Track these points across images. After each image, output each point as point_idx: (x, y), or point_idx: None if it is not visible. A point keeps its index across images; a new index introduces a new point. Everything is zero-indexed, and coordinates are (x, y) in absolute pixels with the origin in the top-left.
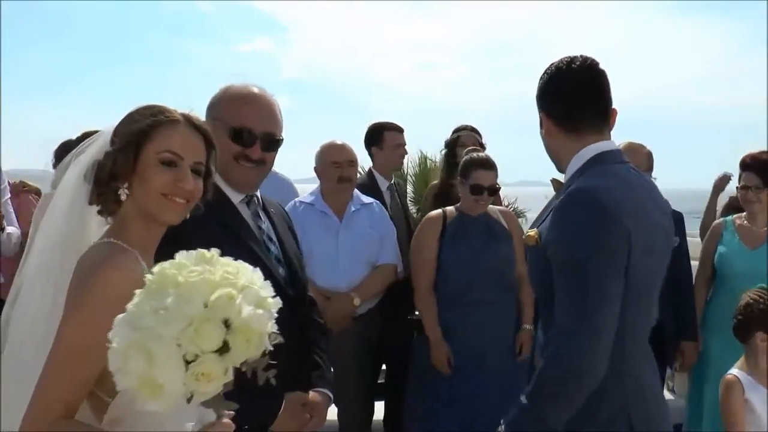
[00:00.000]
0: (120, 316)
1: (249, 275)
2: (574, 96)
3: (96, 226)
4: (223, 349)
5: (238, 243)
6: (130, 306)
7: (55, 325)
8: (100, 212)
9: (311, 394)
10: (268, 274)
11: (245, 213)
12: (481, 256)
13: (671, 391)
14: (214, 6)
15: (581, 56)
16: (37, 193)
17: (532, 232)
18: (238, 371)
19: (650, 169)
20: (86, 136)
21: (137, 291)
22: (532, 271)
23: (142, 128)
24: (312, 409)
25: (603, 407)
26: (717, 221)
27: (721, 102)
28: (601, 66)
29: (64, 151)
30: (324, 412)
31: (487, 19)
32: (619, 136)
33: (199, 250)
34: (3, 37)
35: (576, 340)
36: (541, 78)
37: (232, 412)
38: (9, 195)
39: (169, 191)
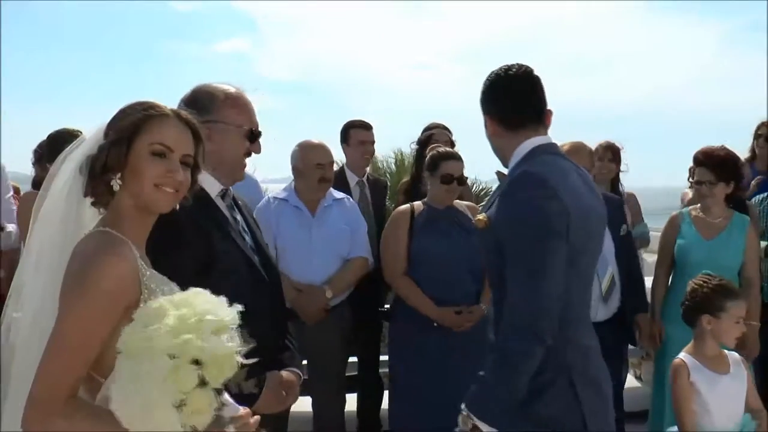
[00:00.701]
0: (110, 385)
1: (201, 303)
2: (513, 99)
3: (90, 218)
4: (202, 383)
5: (222, 234)
6: (116, 372)
7: (52, 317)
8: (93, 204)
9: (285, 373)
10: (247, 261)
11: (221, 206)
12: (457, 246)
13: (638, 378)
14: (190, 5)
15: (517, 64)
16: (17, 191)
17: (482, 216)
18: (226, 388)
19: (593, 165)
20: (55, 136)
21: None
22: (484, 253)
23: (134, 122)
24: (287, 387)
25: (546, 367)
26: (674, 213)
27: (713, 101)
28: (536, 72)
29: (40, 150)
30: (297, 389)
31: (484, 19)
32: (620, 135)
33: (149, 306)
34: None
35: (529, 307)
36: (483, 85)
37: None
38: (11, 192)
39: (160, 182)
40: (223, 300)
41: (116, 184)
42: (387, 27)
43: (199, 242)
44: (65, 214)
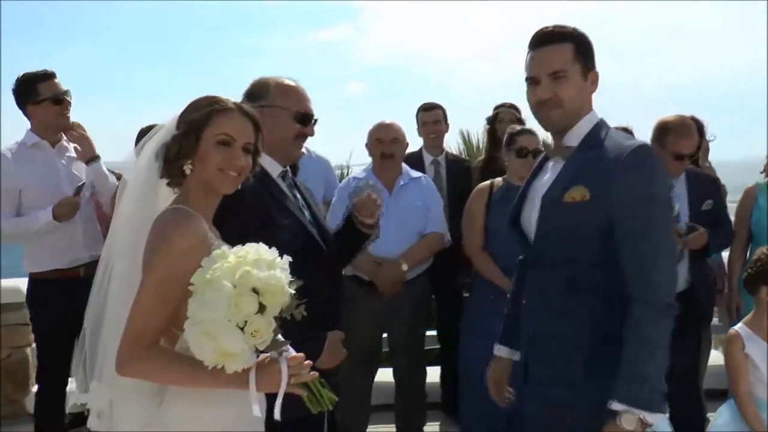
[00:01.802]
0: (186, 322)
1: (255, 250)
2: None
3: (164, 196)
4: (261, 308)
5: (282, 209)
6: (188, 312)
7: (135, 278)
8: (168, 184)
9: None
10: (306, 234)
11: (282, 185)
12: None
13: None
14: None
15: None
16: (119, 177)
17: (580, 190)
18: (281, 318)
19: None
20: (142, 132)
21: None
22: (573, 225)
23: (202, 116)
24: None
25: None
26: (750, 185)
27: None
28: None
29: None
30: None
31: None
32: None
33: (215, 251)
34: (74, 34)
35: (668, 284)
36: (588, 37)
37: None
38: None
39: (225, 167)
40: (275, 251)
41: (188, 168)
42: (482, 12)
43: (259, 214)
44: (144, 192)
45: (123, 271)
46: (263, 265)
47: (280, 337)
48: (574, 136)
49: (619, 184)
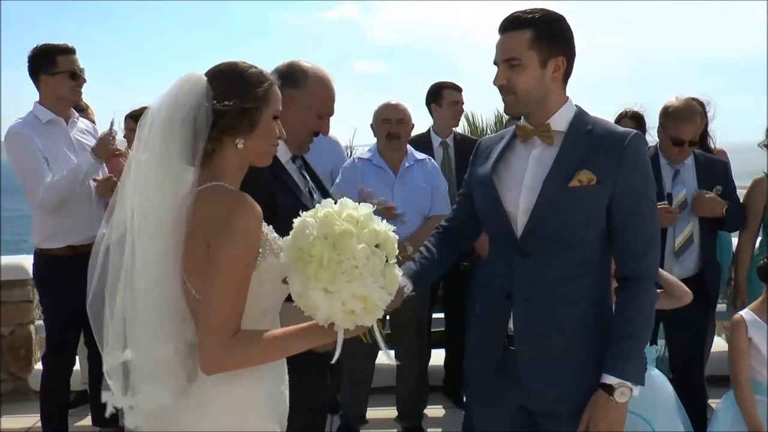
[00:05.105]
0: (308, 293)
1: (344, 207)
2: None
3: (179, 169)
4: (386, 260)
5: (287, 192)
6: (311, 284)
7: (153, 256)
8: (188, 161)
9: None
10: None
11: (291, 169)
12: None
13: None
14: None
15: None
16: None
17: (587, 174)
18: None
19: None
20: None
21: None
22: (581, 209)
23: (263, 93)
24: None
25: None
26: (758, 176)
27: None
28: None
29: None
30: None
31: None
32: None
33: (307, 218)
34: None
35: (657, 260)
36: (556, 21)
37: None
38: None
39: (276, 142)
40: (353, 202)
41: (240, 143)
42: None
43: (263, 194)
44: (168, 169)
45: (142, 252)
46: (373, 219)
47: None
48: (559, 122)
49: (623, 170)
